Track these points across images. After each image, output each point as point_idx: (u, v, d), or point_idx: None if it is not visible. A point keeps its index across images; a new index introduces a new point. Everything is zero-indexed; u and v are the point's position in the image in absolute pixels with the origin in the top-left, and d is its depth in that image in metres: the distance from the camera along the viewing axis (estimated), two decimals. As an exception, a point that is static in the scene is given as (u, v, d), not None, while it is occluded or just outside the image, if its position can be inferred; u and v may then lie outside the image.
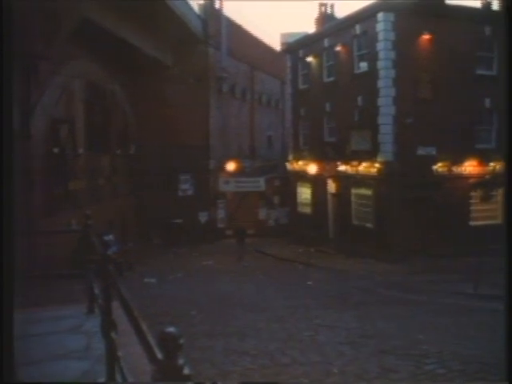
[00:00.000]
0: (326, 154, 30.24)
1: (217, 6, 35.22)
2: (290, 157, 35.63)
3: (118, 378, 4.96)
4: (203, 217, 32.76)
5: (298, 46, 34.50)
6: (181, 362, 2.45)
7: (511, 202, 4.22)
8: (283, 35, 48.97)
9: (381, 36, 25.69)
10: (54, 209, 21.46)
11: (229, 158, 34.79)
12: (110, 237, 20.17)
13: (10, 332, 3.28)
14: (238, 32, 37.75)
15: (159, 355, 2.57)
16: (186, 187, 32.77)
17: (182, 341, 2.47)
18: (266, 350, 10.49)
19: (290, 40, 38.94)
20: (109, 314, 5.01)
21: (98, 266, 5.48)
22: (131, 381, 4.73)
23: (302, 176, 33.19)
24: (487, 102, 26.35)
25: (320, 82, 31.33)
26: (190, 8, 31.40)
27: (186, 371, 2.48)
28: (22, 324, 7.73)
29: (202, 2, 34.41)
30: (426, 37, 25.63)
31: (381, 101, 25.92)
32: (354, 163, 27.59)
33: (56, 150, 22.76)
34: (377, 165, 25.98)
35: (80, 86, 25.64)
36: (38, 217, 19.79)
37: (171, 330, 2.49)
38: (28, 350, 6.46)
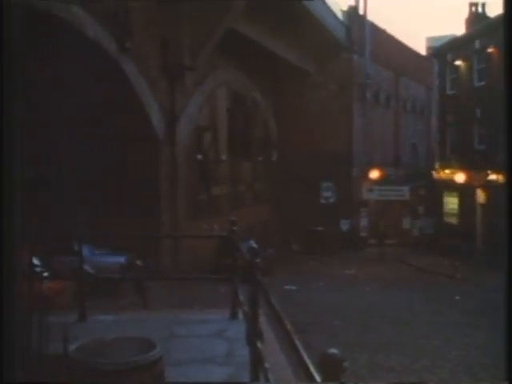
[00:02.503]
0: (475, 162, 28.86)
1: (361, 11, 34.71)
2: (437, 165, 34.47)
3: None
4: (345, 225, 32.28)
5: (445, 50, 33.36)
6: (343, 386, 2.21)
7: (511, 203, 3.93)
8: (429, 39, 47.56)
9: (540, 34, 24.06)
10: (197, 214, 22.01)
11: (372, 165, 34.08)
12: (251, 242, 20.29)
13: (11, 332, 3.23)
14: (382, 37, 36.92)
15: (318, 376, 2.34)
16: (328, 195, 32.49)
17: (346, 364, 2.22)
18: (413, 367, 10.03)
19: (436, 44, 37.64)
20: (256, 322, 4.87)
21: (245, 272, 5.37)
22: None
23: (449, 185, 31.88)
24: None
25: (470, 86, 29.99)
26: (334, 15, 31.10)
27: (348, 396, 2.24)
28: (169, 325, 7.87)
29: (345, 8, 34.06)
30: None
31: (538, 105, 24.26)
32: (507, 172, 26.03)
33: (200, 157, 23.36)
34: (532, 173, 24.35)
35: (223, 94, 26.19)
36: (183, 221, 20.38)
37: (334, 351, 2.25)
38: (173, 351, 6.52)
